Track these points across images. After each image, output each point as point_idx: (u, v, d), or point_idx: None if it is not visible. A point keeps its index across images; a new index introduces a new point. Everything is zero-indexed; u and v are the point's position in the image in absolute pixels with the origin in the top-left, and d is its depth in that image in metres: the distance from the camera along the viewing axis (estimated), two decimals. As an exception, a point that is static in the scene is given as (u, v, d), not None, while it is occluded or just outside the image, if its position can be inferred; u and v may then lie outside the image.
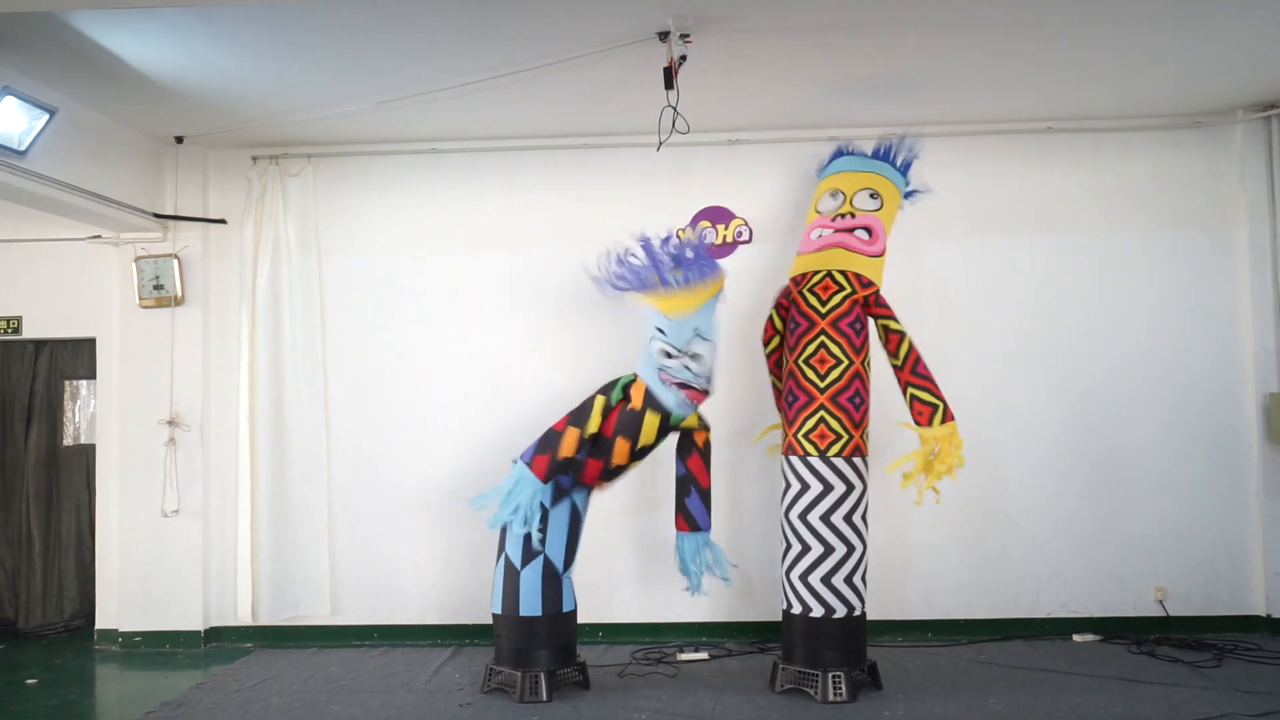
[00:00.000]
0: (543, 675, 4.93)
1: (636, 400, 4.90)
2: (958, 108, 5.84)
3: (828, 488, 4.86)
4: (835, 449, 4.87)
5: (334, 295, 6.30)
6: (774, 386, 5.45)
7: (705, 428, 5.27)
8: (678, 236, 5.41)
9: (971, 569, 6.04)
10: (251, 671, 5.61)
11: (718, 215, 6.17)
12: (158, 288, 6.18)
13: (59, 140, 5.17)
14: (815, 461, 4.89)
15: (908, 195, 5.38)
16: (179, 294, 6.20)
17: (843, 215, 5.15)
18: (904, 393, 4.97)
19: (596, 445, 4.93)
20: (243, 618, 6.13)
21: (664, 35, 4.50)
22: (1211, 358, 6.04)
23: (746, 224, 6.15)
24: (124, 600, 6.22)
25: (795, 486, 4.95)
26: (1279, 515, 5.90)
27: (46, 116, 4.91)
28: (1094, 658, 5.51)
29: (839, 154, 5.50)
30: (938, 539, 6.03)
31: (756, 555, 6.01)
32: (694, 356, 4.84)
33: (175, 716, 4.86)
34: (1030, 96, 5.67)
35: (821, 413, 4.89)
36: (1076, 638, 5.88)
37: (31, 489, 6.73)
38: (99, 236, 6.30)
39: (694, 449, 5.24)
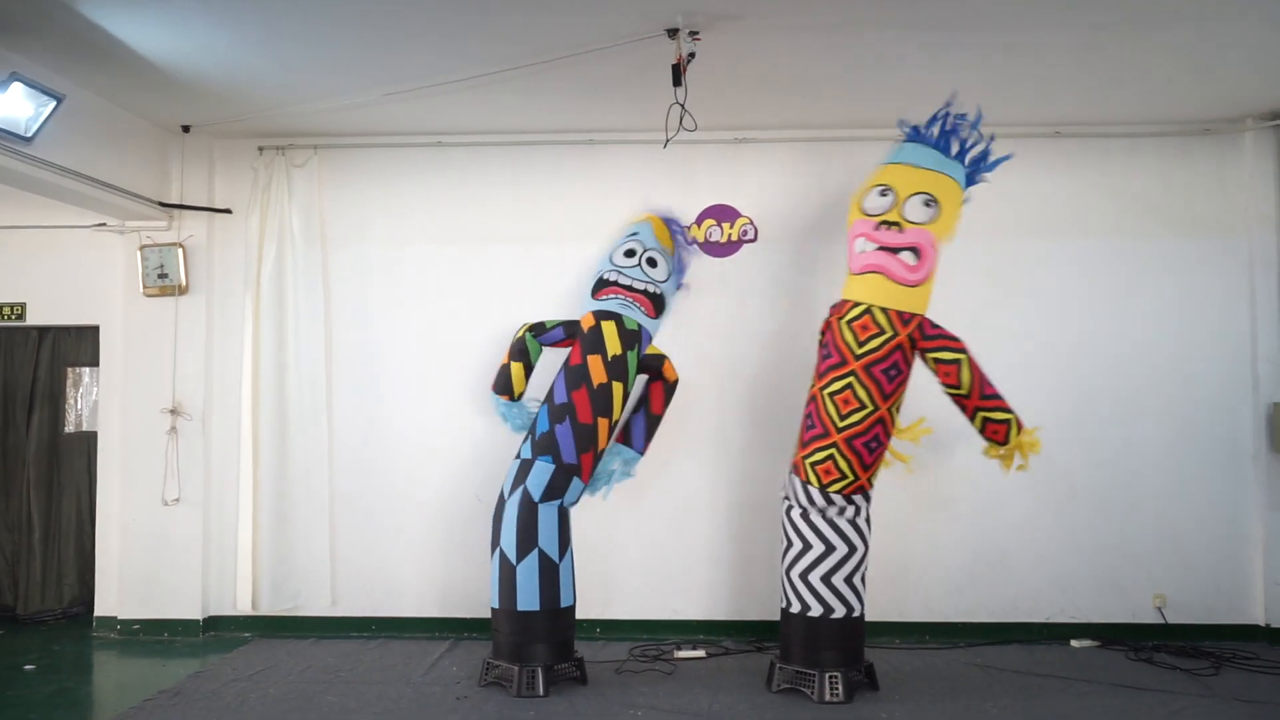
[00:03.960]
0: (540, 670, 4.93)
1: (587, 320, 5.25)
2: (968, 110, 5.81)
3: (829, 504, 4.84)
4: (837, 486, 4.78)
5: (338, 287, 6.30)
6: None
7: (672, 369, 5.43)
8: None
9: (971, 573, 6.04)
10: (249, 661, 5.62)
11: (723, 214, 6.16)
12: (162, 276, 6.18)
13: (65, 127, 5.16)
14: (814, 492, 4.82)
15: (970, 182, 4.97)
16: (183, 283, 6.20)
17: (888, 225, 4.76)
18: (972, 418, 4.80)
19: (574, 376, 5.14)
20: (242, 607, 6.14)
21: (673, 32, 4.49)
22: (1215, 366, 6.03)
23: (752, 223, 6.14)
24: (123, 588, 6.23)
25: (797, 506, 4.94)
26: (1280, 525, 5.90)
27: (53, 103, 4.90)
28: (1092, 663, 5.51)
29: (911, 137, 5.00)
30: (937, 542, 6.02)
31: (757, 556, 6.00)
32: (651, 261, 5.38)
33: (172, 705, 4.87)
34: (1039, 101, 5.66)
35: (833, 450, 4.76)
36: (1075, 643, 5.87)
37: (32, 475, 6.74)
38: (104, 224, 6.30)
39: (660, 379, 5.42)
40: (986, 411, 4.73)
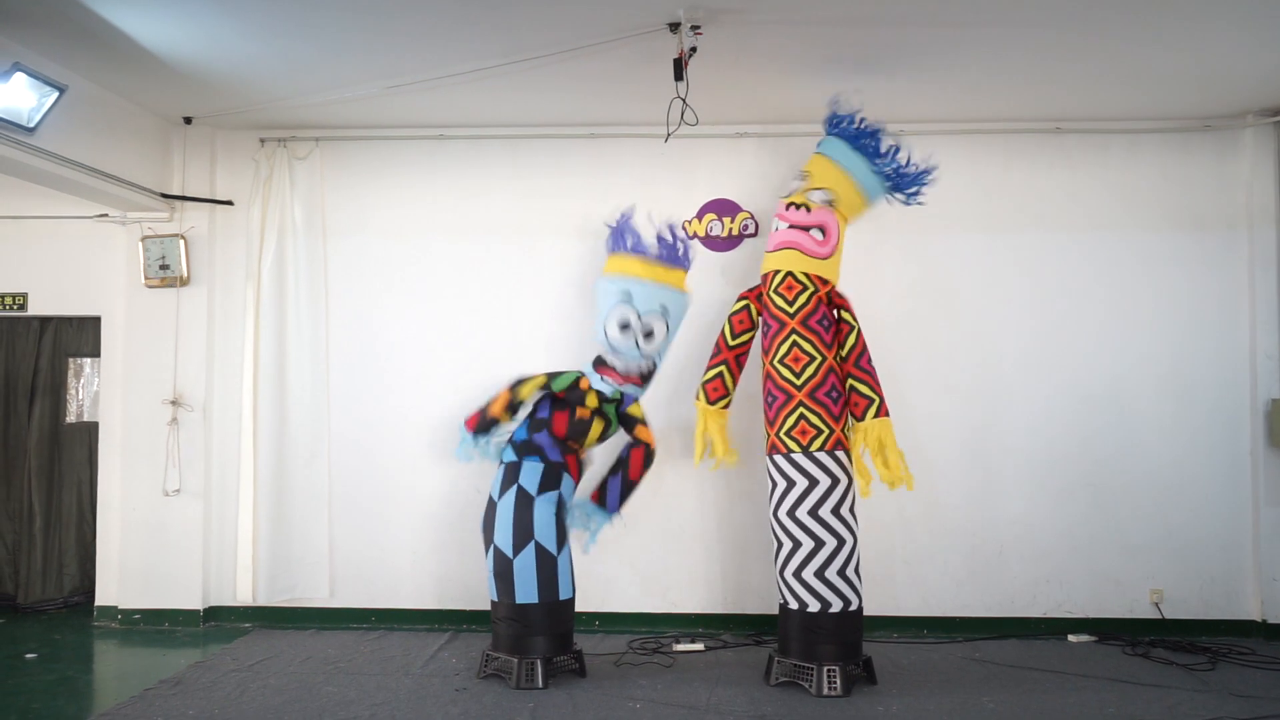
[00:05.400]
0: (539, 662, 4.95)
1: (584, 411, 5.18)
2: (967, 106, 5.83)
3: (813, 482, 4.89)
4: (817, 444, 4.91)
5: (339, 279, 6.31)
6: (721, 375, 5.38)
7: (647, 433, 5.38)
8: (682, 229, 5.59)
9: (969, 567, 6.05)
10: (249, 651, 5.64)
11: (724, 208, 6.17)
12: (164, 267, 6.19)
13: (68, 118, 5.18)
14: (799, 458, 4.93)
15: (902, 195, 5.22)
16: (184, 274, 6.21)
17: (798, 206, 5.12)
18: (844, 384, 5.07)
19: (558, 403, 5.21)
20: (242, 598, 6.16)
21: (675, 26, 4.50)
22: (1213, 362, 6.04)
23: (752, 217, 6.15)
24: (124, 578, 6.25)
25: (781, 485, 4.99)
26: (1277, 521, 5.90)
27: (56, 94, 4.92)
28: (1089, 658, 5.53)
29: (834, 124, 5.22)
30: (935, 536, 6.04)
31: (753, 549, 6.02)
32: (649, 334, 5.21)
33: (173, 694, 4.89)
34: (1039, 96, 5.66)
35: (801, 409, 4.94)
36: (1072, 638, 5.89)
37: (34, 465, 6.76)
38: (106, 215, 6.30)
39: (641, 444, 5.37)
40: (856, 381, 5.02)
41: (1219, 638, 5.85)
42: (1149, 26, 4.63)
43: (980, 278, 6.12)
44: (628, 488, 5.40)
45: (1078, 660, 5.48)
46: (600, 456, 5.68)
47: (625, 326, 5.21)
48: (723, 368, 5.39)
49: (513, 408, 5.22)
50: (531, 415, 5.25)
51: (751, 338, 5.40)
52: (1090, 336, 6.08)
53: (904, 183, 5.17)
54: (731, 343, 5.39)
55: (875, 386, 5.00)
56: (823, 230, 5.09)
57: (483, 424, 5.24)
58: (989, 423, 6.06)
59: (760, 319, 5.28)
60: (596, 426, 5.20)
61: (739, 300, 5.42)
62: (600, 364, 5.31)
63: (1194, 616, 5.97)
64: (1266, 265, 5.99)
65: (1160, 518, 6.01)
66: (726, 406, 5.43)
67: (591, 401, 5.19)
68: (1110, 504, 6.03)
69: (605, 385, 5.23)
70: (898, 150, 5.11)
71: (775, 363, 5.05)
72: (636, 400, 5.35)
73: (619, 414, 5.30)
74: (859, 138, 5.10)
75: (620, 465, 5.39)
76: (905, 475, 4.96)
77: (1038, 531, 6.04)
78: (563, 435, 5.15)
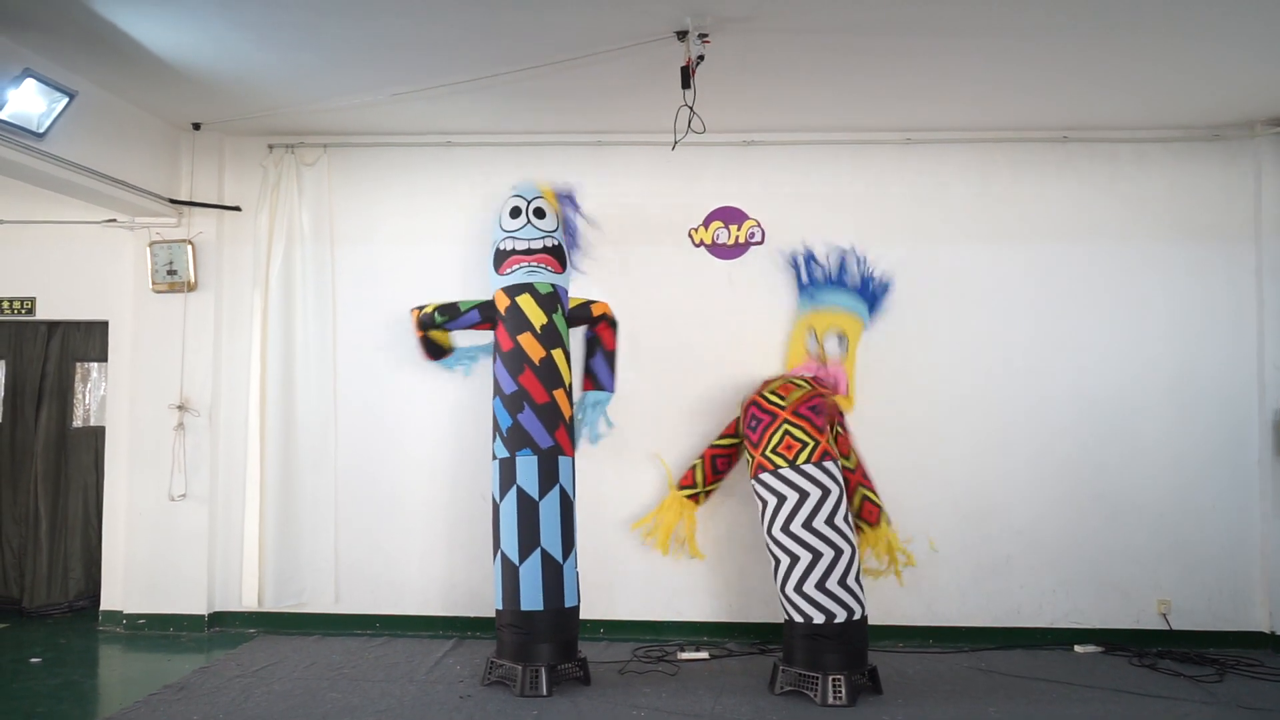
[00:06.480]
0: (543, 670, 4.94)
1: (501, 300, 5.34)
2: (975, 114, 5.83)
3: (803, 495, 4.95)
4: (803, 456, 5.00)
5: (346, 285, 6.33)
6: (695, 468, 5.79)
7: (602, 305, 5.67)
8: None
9: (974, 576, 6.03)
10: (254, 657, 5.64)
11: (730, 216, 6.17)
12: (171, 273, 6.21)
13: (78, 123, 5.20)
14: (786, 472, 5.01)
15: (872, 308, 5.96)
16: (192, 279, 6.23)
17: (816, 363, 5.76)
18: (853, 494, 5.39)
19: (514, 360, 5.18)
20: (247, 603, 6.16)
21: (682, 35, 4.50)
22: (1221, 372, 6.02)
23: (759, 225, 6.14)
24: (129, 582, 6.26)
25: (771, 502, 5.04)
26: (1286, 532, 5.89)
27: (66, 99, 4.94)
28: (1095, 669, 5.50)
29: (812, 281, 5.95)
30: (941, 545, 6.01)
31: (758, 557, 6.00)
32: (539, 212, 5.42)
33: (177, 699, 4.89)
34: (1048, 105, 5.65)
35: (785, 425, 5.09)
36: (1078, 648, 5.87)
37: (40, 469, 6.77)
38: (114, 220, 6.33)
39: (602, 318, 5.67)
40: (867, 490, 5.44)
41: (1227, 649, 5.82)
42: (1156, 37, 4.63)
43: (988, 287, 6.11)
44: (610, 360, 5.63)
45: (1084, 671, 5.46)
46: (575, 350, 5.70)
47: (516, 212, 5.39)
48: (699, 462, 5.77)
49: (426, 324, 5.68)
50: (500, 392, 5.19)
51: (733, 445, 5.69)
52: (1098, 346, 6.06)
53: (876, 297, 5.94)
54: (714, 441, 5.78)
55: (877, 494, 5.49)
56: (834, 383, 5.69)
57: (430, 349, 5.84)
58: (995, 432, 6.05)
59: (748, 418, 5.40)
60: (559, 357, 5.20)
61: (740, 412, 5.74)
62: (501, 258, 5.34)
63: (1202, 628, 5.94)
64: (1275, 275, 5.97)
65: (1168, 528, 5.99)
66: (692, 498, 5.77)
67: (534, 312, 5.22)
68: (1117, 514, 6.00)
69: (520, 274, 5.25)
70: (865, 273, 5.91)
71: (765, 393, 5.31)
72: (569, 293, 5.47)
73: (567, 316, 5.39)
74: (828, 282, 5.87)
75: (595, 344, 5.58)
76: (898, 569, 5.59)
77: (1044, 541, 6.02)
78: (546, 398, 5.10)
